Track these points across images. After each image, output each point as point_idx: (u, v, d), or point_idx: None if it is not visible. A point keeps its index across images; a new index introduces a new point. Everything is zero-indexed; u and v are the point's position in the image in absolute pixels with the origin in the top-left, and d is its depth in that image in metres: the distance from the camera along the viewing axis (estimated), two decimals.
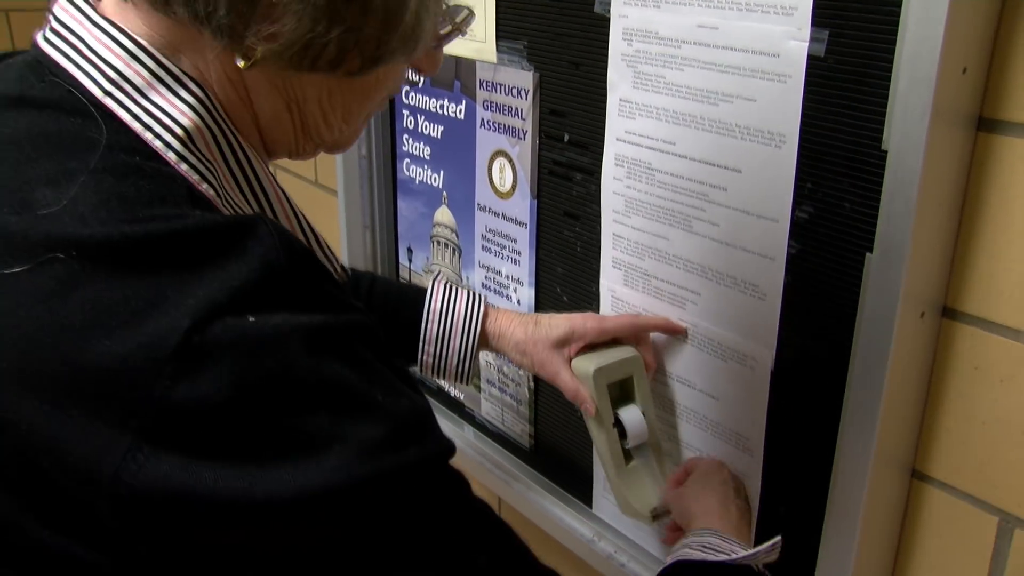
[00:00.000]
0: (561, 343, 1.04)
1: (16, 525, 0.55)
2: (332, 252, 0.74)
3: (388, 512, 0.58)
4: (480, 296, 1.09)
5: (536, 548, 1.40)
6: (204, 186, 0.59)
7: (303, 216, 0.72)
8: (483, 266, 1.30)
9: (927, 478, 0.86)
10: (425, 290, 1.09)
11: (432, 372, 1.10)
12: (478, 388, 1.38)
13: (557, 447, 1.27)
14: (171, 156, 0.58)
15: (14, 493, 0.55)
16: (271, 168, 0.70)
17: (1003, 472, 0.80)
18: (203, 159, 0.60)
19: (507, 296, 1.27)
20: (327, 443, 0.53)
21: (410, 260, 1.46)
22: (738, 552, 0.85)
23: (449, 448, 0.63)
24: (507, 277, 1.26)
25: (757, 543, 0.98)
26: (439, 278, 1.10)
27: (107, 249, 0.52)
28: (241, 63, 0.59)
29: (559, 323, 1.05)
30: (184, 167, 0.59)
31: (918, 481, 0.86)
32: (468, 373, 1.09)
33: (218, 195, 0.61)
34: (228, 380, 0.50)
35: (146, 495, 0.51)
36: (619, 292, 1.09)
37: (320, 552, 0.56)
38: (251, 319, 0.51)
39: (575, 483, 1.25)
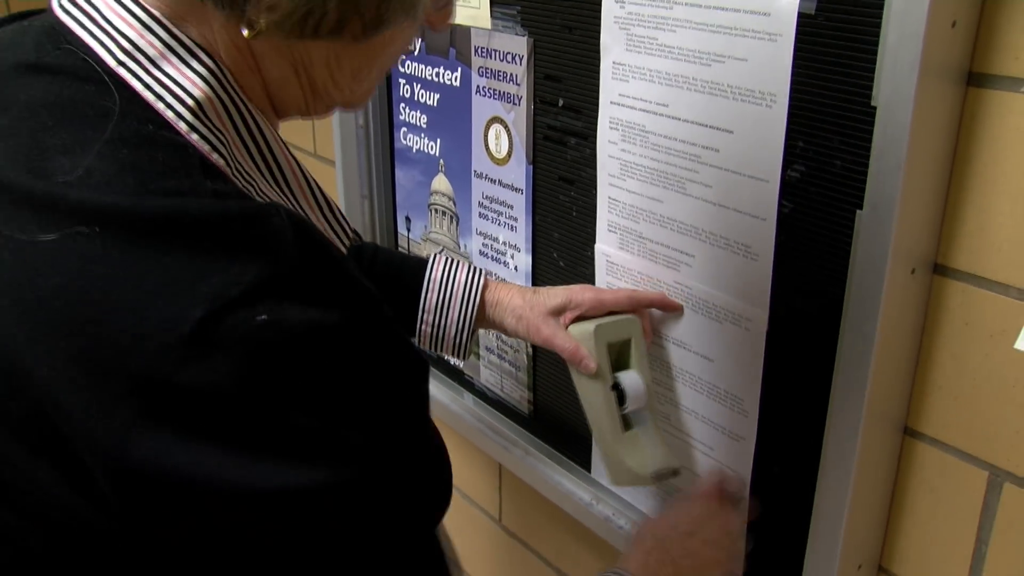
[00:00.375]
0: (558, 311, 1.05)
1: (25, 471, 0.57)
2: (343, 217, 0.75)
3: (363, 513, 0.60)
4: (480, 269, 1.09)
5: (535, 512, 1.42)
6: (215, 156, 0.60)
7: (315, 182, 0.72)
8: (480, 233, 1.30)
9: (918, 434, 0.86)
10: (426, 261, 1.10)
11: (430, 343, 1.11)
12: (477, 356, 1.39)
13: (556, 413, 1.27)
14: (182, 126, 0.59)
15: (25, 440, 0.56)
16: (282, 136, 0.71)
17: (993, 427, 0.80)
18: (214, 129, 0.61)
19: (504, 263, 1.27)
20: (318, 444, 0.56)
21: (408, 229, 1.47)
22: None
23: (440, 454, 0.66)
24: (504, 243, 1.27)
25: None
26: (440, 251, 1.11)
27: (125, 224, 0.53)
28: (246, 32, 0.60)
29: (557, 292, 1.06)
30: (195, 137, 0.59)
31: (910, 437, 0.87)
32: (466, 345, 1.09)
33: (228, 165, 0.61)
34: (232, 372, 0.52)
35: (139, 469, 0.53)
36: (614, 256, 1.09)
37: (295, 546, 0.58)
38: (262, 316, 0.53)
39: (574, 448, 1.26)
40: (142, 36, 0.60)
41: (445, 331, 1.09)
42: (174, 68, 0.60)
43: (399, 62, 1.37)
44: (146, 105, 0.59)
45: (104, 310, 0.52)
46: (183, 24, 0.61)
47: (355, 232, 0.77)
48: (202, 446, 0.53)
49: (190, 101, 0.60)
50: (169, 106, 0.59)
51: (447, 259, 1.10)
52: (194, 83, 0.61)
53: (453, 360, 1.46)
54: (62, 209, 0.54)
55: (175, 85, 0.60)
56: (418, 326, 1.10)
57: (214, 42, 0.62)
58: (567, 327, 1.04)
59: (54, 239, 0.53)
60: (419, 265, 1.10)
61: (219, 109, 0.62)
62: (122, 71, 0.59)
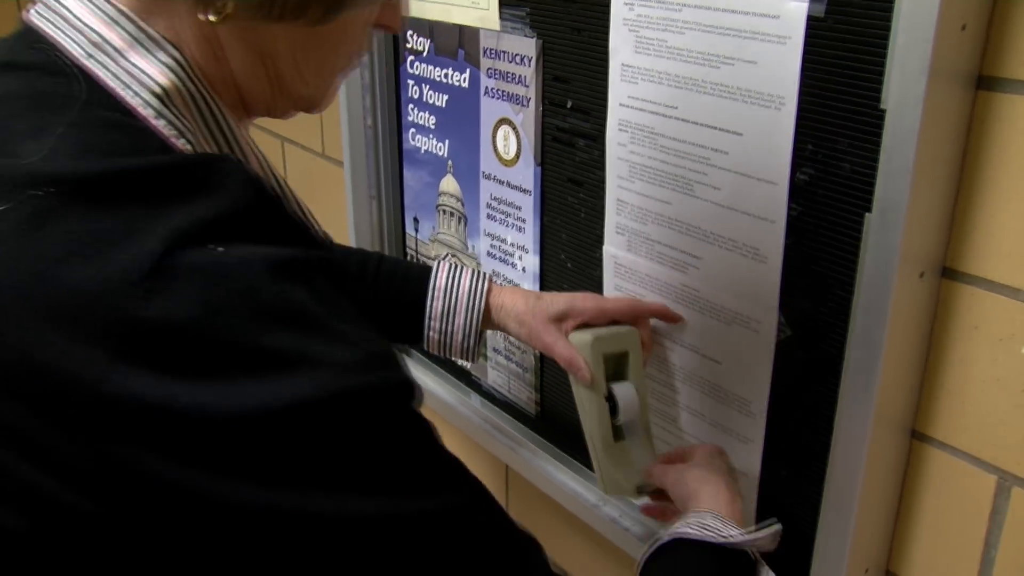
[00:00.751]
0: (559, 317, 1.05)
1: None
2: (312, 216, 0.76)
3: (355, 435, 0.59)
4: (484, 273, 1.10)
5: (542, 513, 1.42)
6: (180, 141, 0.62)
7: (282, 179, 0.74)
8: (488, 234, 1.31)
9: (926, 438, 0.86)
10: (430, 268, 1.11)
11: (438, 349, 1.11)
12: (485, 357, 1.39)
13: (563, 414, 1.27)
14: (148, 112, 0.61)
15: None
16: (248, 130, 0.73)
17: (1001, 431, 0.80)
18: (180, 116, 0.63)
19: (512, 264, 1.27)
20: (294, 361, 0.56)
21: (416, 230, 1.47)
22: (736, 536, 0.84)
23: (414, 386, 0.64)
24: (512, 245, 1.27)
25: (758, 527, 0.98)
26: (444, 257, 1.10)
27: (84, 184, 0.56)
28: (212, 18, 0.62)
29: (559, 299, 1.06)
30: (161, 123, 0.61)
31: (918, 441, 0.87)
32: (473, 349, 1.10)
33: (195, 151, 0.63)
34: (196, 300, 0.53)
35: (124, 411, 0.53)
36: (622, 258, 1.09)
37: (283, 473, 0.57)
38: (219, 248, 0.55)
39: (581, 449, 1.26)
40: (109, 29, 0.63)
41: (452, 337, 1.10)
42: (140, 59, 0.62)
43: (408, 63, 1.37)
44: (112, 94, 0.61)
45: (66, 262, 0.54)
46: (151, 17, 0.64)
47: (326, 233, 0.78)
48: (177, 378, 0.53)
49: (157, 88, 0.62)
50: (136, 94, 0.61)
51: (450, 265, 1.11)
52: (160, 72, 0.63)
53: (461, 361, 1.46)
54: (18, 180, 0.56)
55: (141, 74, 0.62)
56: (425, 332, 1.10)
57: (181, 35, 0.64)
58: (568, 335, 1.04)
59: (8, 207, 0.55)
60: (423, 272, 1.11)
61: (185, 98, 0.64)
62: (90, 63, 0.62)
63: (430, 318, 1.09)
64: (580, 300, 1.05)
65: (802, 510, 0.95)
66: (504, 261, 1.29)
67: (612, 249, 1.11)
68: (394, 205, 1.51)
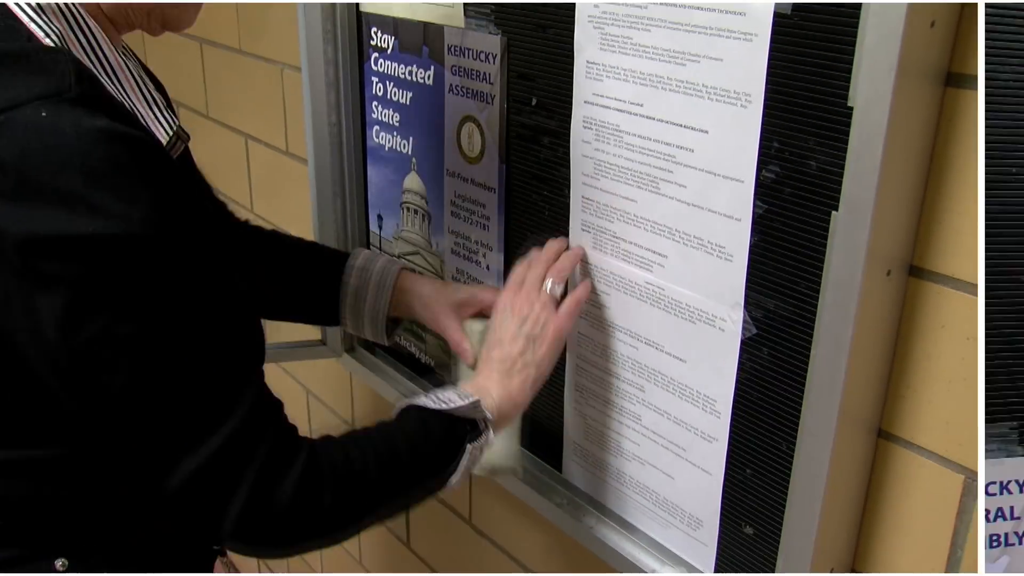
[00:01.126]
0: (459, 305, 1.16)
1: None
2: (169, 112, 0.89)
3: (125, 272, 0.74)
4: (399, 260, 1.20)
5: (505, 512, 1.40)
6: (47, 40, 0.77)
7: (146, 84, 0.87)
8: (452, 232, 1.29)
9: (893, 437, 0.86)
10: (348, 253, 1.25)
11: (352, 326, 1.23)
12: (448, 355, 1.37)
13: (525, 413, 1.26)
14: (23, 17, 0.77)
15: None
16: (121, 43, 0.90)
17: (968, 430, 0.80)
18: (50, 23, 0.78)
19: (476, 262, 1.26)
20: (79, 203, 0.71)
21: (380, 227, 1.45)
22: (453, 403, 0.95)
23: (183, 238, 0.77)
24: (476, 242, 1.25)
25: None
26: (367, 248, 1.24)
27: None
28: None
29: (463, 289, 1.18)
30: (33, 26, 0.77)
31: (884, 440, 0.87)
32: (382, 327, 1.22)
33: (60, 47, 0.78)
34: (18, 147, 0.71)
35: None
36: (588, 255, 1.08)
37: (63, 288, 0.73)
38: (43, 113, 0.72)
39: (543, 447, 1.25)
40: None
41: (363, 314, 1.22)
42: None
43: (372, 60, 1.35)
44: (7, 6, 0.78)
45: None
46: None
47: (181, 129, 0.89)
48: None
49: (33, 1, 0.78)
50: (17, 4, 0.78)
51: (369, 251, 1.25)
52: None
53: (424, 355, 1.44)
54: None
55: None
56: (341, 310, 1.22)
57: None
58: (463, 322, 1.14)
59: None
60: (342, 255, 1.25)
61: (55, 11, 0.80)
62: None
63: (343, 295, 1.22)
64: (481, 292, 1.17)
65: (767, 509, 0.95)
66: (468, 259, 1.28)
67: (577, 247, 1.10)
68: (358, 202, 1.49)
